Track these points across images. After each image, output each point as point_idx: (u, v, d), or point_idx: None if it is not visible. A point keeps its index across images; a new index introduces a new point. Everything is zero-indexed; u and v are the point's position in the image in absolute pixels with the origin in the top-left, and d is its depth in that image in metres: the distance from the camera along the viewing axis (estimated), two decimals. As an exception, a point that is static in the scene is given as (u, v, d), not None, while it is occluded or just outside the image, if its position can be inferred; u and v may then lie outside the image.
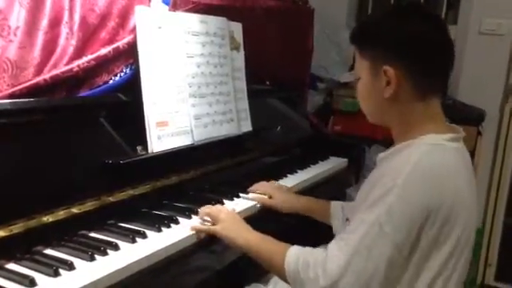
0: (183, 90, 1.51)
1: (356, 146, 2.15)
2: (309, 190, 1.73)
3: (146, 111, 1.38)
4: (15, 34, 1.18)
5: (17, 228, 1.02)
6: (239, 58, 1.81)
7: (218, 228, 1.21)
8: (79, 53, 1.32)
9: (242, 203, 1.45)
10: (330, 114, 2.68)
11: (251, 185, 1.56)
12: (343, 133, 2.56)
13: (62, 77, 1.27)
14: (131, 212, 1.27)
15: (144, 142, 1.37)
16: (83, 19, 1.32)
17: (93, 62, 1.33)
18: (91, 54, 1.34)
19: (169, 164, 1.41)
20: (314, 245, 1.11)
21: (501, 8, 2.60)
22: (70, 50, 1.30)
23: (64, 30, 1.29)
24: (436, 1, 2.97)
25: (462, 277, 1.03)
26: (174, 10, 1.56)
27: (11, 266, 0.99)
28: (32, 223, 1.04)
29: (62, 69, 1.27)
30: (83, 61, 1.31)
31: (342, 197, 2.04)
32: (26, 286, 0.92)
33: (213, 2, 1.72)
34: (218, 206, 1.32)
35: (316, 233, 1.45)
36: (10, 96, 1.16)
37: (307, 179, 1.77)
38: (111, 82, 1.42)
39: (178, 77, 1.50)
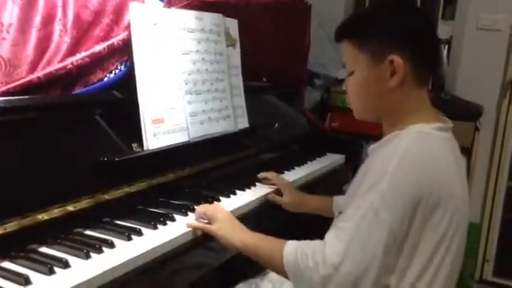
0: (179, 87, 1.51)
1: (353, 143, 2.15)
2: (306, 187, 1.73)
3: (141, 108, 1.37)
4: (8, 32, 1.17)
5: (11, 226, 1.01)
6: (235, 54, 1.80)
7: (214, 228, 1.20)
8: (73, 50, 1.31)
9: (238, 200, 1.44)
10: (328, 111, 2.68)
11: (248, 182, 1.56)
12: (340, 129, 2.55)
13: (56, 74, 1.26)
14: (127, 209, 1.26)
15: (139, 140, 1.37)
16: (77, 16, 1.31)
17: (87, 60, 1.33)
18: (85, 51, 1.33)
19: (164, 161, 1.40)
20: (312, 239, 1.11)
21: (498, 3, 2.60)
22: (64, 47, 1.29)
23: (57, 27, 1.28)
24: (433, -3, 2.97)
25: (454, 269, 1.03)
26: (169, 7, 1.55)
27: (6, 264, 0.98)
28: (27, 221, 1.04)
29: (55, 66, 1.26)
30: (77, 58, 1.30)
31: (339, 193, 2.04)
32: (20, 284, 0.91)
33: (208, -2, 1.71)
34: (215, 205, 1.31)
35: (313, 228, 1.44)
36: (4, 94, 1.16)
37: (304, 175, 1.77)
38: (106, 79, 1.41)
39: (173, 74, 1.49)
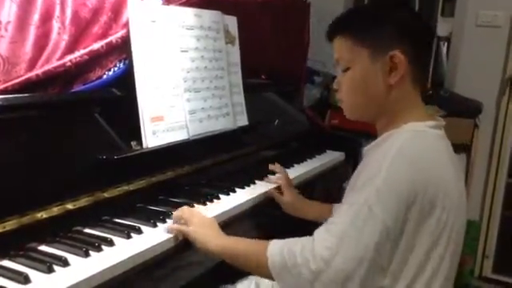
0: (178, 84, 1.50)
1: (353, 140, 2.15)
2: (306, 184, 1.73)
3: (140, 106, 1.37)
4: (6, 29, 1.16)
5: (10, 224, 1.01)
6: (234, 51, 1.80)
7: (190, 230, 1.15)
8: (72, 47, 1.31)
9: (238, 198, 1.44)
10: (327, 108, 2.68)
11: (247, 180, 1.56)
12: (340, 127, 2.55)
13: (55, 72, 1.26)
14: (126, 207, 1.26)
15: (139, 137, 1.36)
16: (75, 14, 1.31)
17: (86, 57, 1.32)
18: (84, 48, 1.33)
19: (164, 159, 1.40)
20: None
21: (497, 0, 2.60)
22: (63, 44, 1.29)
23: (56, 24, 1.27)
24: (433, -7, 2.97)
25: (452, 268, 1.03)
26: (168, 4, 1.54)
27: (5, 262, 0.98)
28: (26, 220, 1.03)
29: (54, 64, 1.26)
30: (76, 55, 1.30)
31: (339, 190, 2.04)
32: (20, 282, 0.91)
33: (206, -5, 1.71)
34: (191, 209, 1.26)
35: (313, 226, 1.44)
36: (2, 92, 1.15)
37: (304, 173, 1.77)
38: (105, 76, 1.41)
39: (172, 71, 1.49)
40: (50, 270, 0.94)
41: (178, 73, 1.51)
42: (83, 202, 1.15)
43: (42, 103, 1.22)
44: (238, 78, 1.80)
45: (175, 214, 1.22)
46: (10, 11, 1.17)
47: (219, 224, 1.28)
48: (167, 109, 1.45)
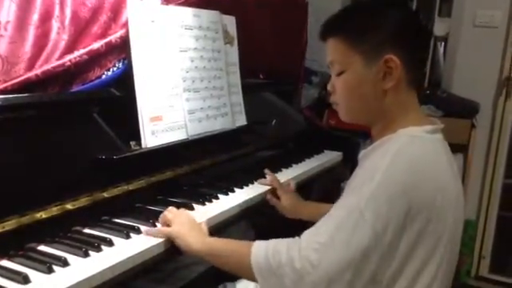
0: (177, 84, 1.50)
1: (351, 140, 2.15)
2: (304, 184, 1.73)
3: (139, 106, 1.37)
4: (6, 29, 1.16)
5: (9, 225, 1.01)
6: (233, 51, 1.80)
7: (171, 230, 1.13)
8: (71, 47, 1.31)
9: (236, 198, 1.44)
10: (325, 108, 2.68)
11: (246, 179, 1.56)
12: (338, 126, 2.55)
13: (54, 72, 1.26)
14: (125, 208, 1.26)
15: (138, 137, 1.36)
16: (75, 13, 1.31)
17: (85, 57, 1.32)
18: (83, 48, 1.33)
19: (163, 159, 1.40)
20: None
21: (494, 0, 2.61)
22: (62, 44, 1.29)
23: (55, 24, 1.27)
24: (430, -7, 2.97)
25: (450, 270, 1.02)
26: (167, 4, 1.54)
27: (4, 262, 0.98)
28: (25, 220, 1.03)
29: (53, 64, 1.26)
30: (75, 55, 1.30)
31: (337, 190, 2.04)
32: (19, 282, 0.91)
33: (205, -5, 1.71)
34: (176, 210, 1.22)
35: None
36: (1, 92, 1.15)
37: (302, 173, 1.77)
38: (104, 76, 1.41)
39: (171, 71, 1.49)
40: (50, 270, 0.95)
41: (177, 73, 1.51)
42: (82, 202, 1.15)
43: (41, 103, 1.22)
44: (236, 78, 1.80)
45: (161, 216, 1.20)
46: (10, 11, 1.17)
47: (218, 224, 1.29)
48: (166, 109, 1.45)
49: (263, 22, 2.07)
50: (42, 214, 1.07)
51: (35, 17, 1.23)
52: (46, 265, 0.95)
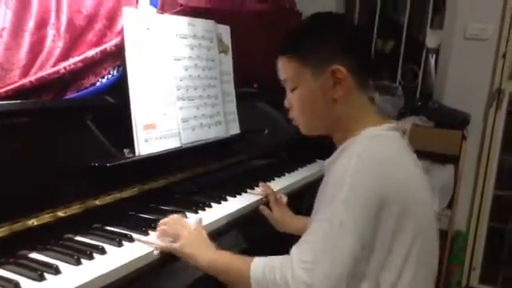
0: (171, 92, 1.51)
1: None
2: (296, 193, 1.74)
3: (133, 114, 1.37)
4: (1, 36, 1.17)
5: (1, 232, 1.00)
6: (227, 61, 1.81)
7: (178, 246, 1.13)
8: (66, 55, 1.31)
9: (229, 206, 1.44)
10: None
11: (239, 188, 1.57)
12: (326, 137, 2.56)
13: (49, 79, 1.26)
14: (118, 215, 1.26)
15: (131, 145, 1.36)
16: (70, 21, 1.31)
17: (80, 64, 1.33)
18: (78, 55, 1.33)
19: (156, 167, 1.40)
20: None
21: (485, 13, 2.64)
22: (57, 51, 1.29)
23: (51, 31, 1.28)
24: (422, 6, 3.00)
25: (430, 269, 1.05)
26: (162, 13, 1.55)
27: (-5, 270, 0.98)
28: (17, 227, 1.03)
29: (48, 71, 1.26)
30: (70, 63, 1.30)
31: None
32: (10, 290, 0.90)
33: (200, 5, 1.72)
34: (180, 220, 1.22)
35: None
36: (-4, 98, 1.15)
37: (295, 182, 1.78)
38: (98, 84, 1.41)
39: (165, 79, 1.49)
40: (42, 278, 0.94)
41: (171, 81, 1.51)
42: (75, 209, 1.15)
43: (35, 110, 1.22)
44: (230, 87, 1.81)
45: (160, 228, 1.18)
46: (5, 18, 1.17)
47: (211, 232, 1.29)
48: (160, 116, 1.46)
49: (257, 32, 2.09)
50: (34, 221, 1.06)
51: (31, 24, 1.23)
52: (38, 272, 0.95)
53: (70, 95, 1.35)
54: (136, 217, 1.30)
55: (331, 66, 1.05)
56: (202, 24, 1.67)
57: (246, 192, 1.57)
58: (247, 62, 1.94)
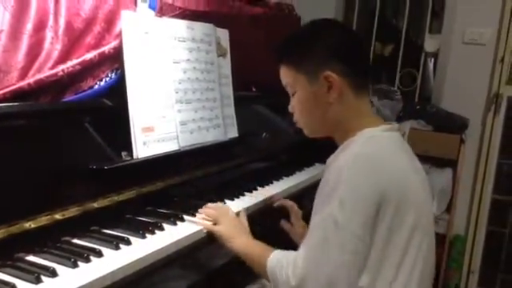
0: (169, 95, 1.51)
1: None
2: (295, 197, 1.73)
3: (131, 116, 1.37)
4: (-1, 38, 1.16)
5: (-2, 234, 1.00)
6: (226, 64, 1.81)
7: (217, 228, 1.26)
8: (64, 57, 1.31)
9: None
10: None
11: (237, 191, 1.56)
12: (329, 139, 2.56)
13: (47, 81, 1.25)
14: (115, 218, 1.26)
15: (129, 148, 1.36)
16: (68, 23, 1.31)
17: (78, 67, 1.32)
18: (76, 58, 1.33)
19: (154, 170, 1.40)
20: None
21: (484, 18, 2.66)
22: (55, 54, 1.28)
23: (49, 34, 1.27)
24: (421, 11, 3.02)
25: (427, 267, 1.06)
26: (161, 16, 1.55)
27: (-8, 272, 0.97)
28: (14, 229, 1.02)
29: (46, 73, 1.25)
30: (68, 65, 1.30)
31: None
32: (7, 293, 0.90)
33: (199, 9, 1.72)
34: (223, 207, 1.37)
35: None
36: (-7, 100, 1.15)
37: (294, 185, 1.78)
38: (96, 86, 1.41)
39: (164, 82, 1.49)
40: (38, 281, 0.94)
41: (169, 84, 1.51)
42: (72, 212, 1.15)
43: (33, 112, 1.22)
44: (229, 90, 1.81)
45: (207, 210, 1.32)
46: (3, 20, 1.17)
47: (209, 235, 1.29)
48: (158, 119, 1.46)
49: (256, 36, 2.09)
50: (31, 224, 1.06)
51: (29, 26, 1.23)
52: (35, 275, 0.94)
53: (68, 98, 1.34)
54: (133, 220, 1.30)
55: (323, 71, 1.10)
56: (200, 27, 1.67)
57: (243, 195, 1.57)
58: (245, 66, 1.94)
